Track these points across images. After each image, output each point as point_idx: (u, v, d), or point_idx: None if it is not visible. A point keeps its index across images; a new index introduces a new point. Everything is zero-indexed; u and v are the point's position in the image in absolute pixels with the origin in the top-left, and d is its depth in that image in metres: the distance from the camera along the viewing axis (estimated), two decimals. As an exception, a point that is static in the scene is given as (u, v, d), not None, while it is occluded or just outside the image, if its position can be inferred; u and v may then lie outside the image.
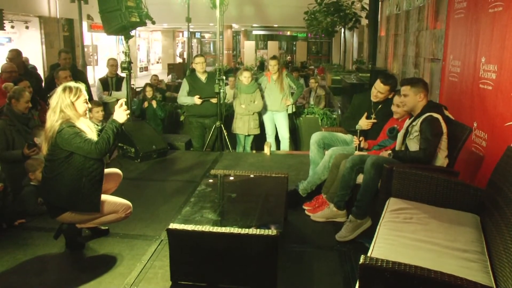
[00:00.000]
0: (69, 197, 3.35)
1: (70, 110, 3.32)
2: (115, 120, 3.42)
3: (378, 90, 4.59)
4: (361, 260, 2.20)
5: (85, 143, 3.26)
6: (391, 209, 3.16)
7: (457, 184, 3.30)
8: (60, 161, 3.32)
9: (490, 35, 4.10)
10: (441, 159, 3.81)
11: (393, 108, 4.33)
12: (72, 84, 3.44)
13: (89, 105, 3.49)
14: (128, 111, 3.51)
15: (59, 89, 3.41)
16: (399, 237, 2.76)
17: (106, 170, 3.76)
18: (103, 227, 3.85)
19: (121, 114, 3.44)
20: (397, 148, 4.01)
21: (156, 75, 11.28)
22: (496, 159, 3.19)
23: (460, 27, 5.04)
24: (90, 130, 3.43)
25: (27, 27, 16.29)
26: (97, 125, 3.74)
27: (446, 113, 3.92)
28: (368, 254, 2.53)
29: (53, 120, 3.31)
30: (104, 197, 3.49)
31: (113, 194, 3.76)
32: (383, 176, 3.56)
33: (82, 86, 3.46)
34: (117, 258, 3.51)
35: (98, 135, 3.47)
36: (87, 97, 3.47)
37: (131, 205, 3.57)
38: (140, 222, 4.10)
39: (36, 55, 15.05)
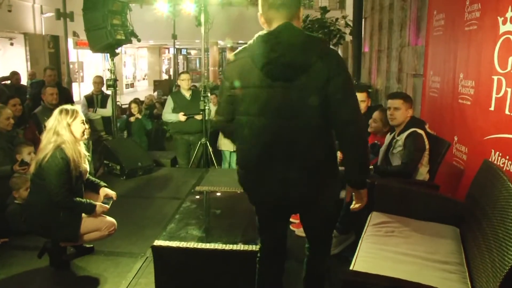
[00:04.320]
0: (45, 224, 3.38)
1: (66, 132, 3.34)
2: (95, 208, 3.45)
3: (360, 100, 4.69)
4: (342, 274, 2.24)
5: (59, 188, 3.26)
6: (373, 223, 3.21)
7: (437, 197, 3.38)
8: (43, 186, 3.33)
9: (467, 52, 4.21)
10: (423, 174, 3.88)
11: (370, 121, 4.41)
12: (68, 106, 3.48)
13: (87, 126, 3.52)
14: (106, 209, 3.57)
15: (55, 112, 3.45)
16: (381, 250, 2.81)
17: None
18: (87, 245, 3.84)
19: (100, 209, 3.49)
20: (378, 163, 4.08)
21: (151, 95, 11.69)
22: (476, 172, 3.27)
23: (439, 44, 5.17)
24: (81, 158, 3.44)
25: (11, 44, 16.25)
26: (85, 143, 3.75)
27: (427, 128, 4.01)
28: (350, 268, 2.57)
29: (47, 141, 3.33)
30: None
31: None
32: (365, 191, 3.61)
33: (78, 108, 3.52)
34: (102, 276, 3.50)
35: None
36: (84, 118, 3.51)
37: (115, 222, 3.57)
38: (125, 240, 4.10)
39: (20, 72, 15.06)
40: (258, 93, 2.25)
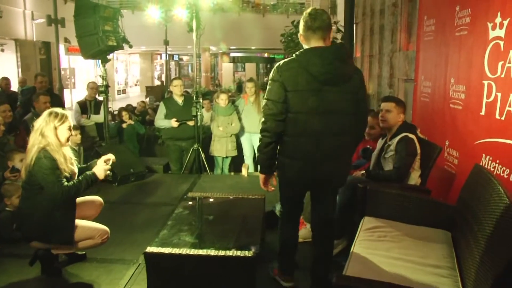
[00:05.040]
0: (41, 228, 3.33)
1: (52, 136, 3.31)
2: (95, 174, 3.42)
3: None
4: (334, 279, 2.24)
5: (56, 184, 3.23)
6: (365, 228, 3.22)
7: (429, 201, 3.40)
8: (35, 191, 3.30)
9: (458, 57, 4.25)
10: (415, 179, 3.90)
11: (366, 130, 4.43)
12: (58, 109, 3.45)
13: (73, 133, 3.50)
14: (109, 172, 3.52)
15: (45, 113, 3.42)
16: (374, 255, 2.81)
17: (87, 197, 3.75)
18: (80, 252, 3.81)
19: (102, 171, 3.45)
20: (371, 167, 4.10)
21: (143, 101, 11.71)
22: (467, 176, 3.29)
23: (430, 49, 5.21)
24: (67, 160, 3.40)
25: (2, 50, 16.18)
26: (75, 149, 3.74)
27: (418, 133, 4.03)
28: (343, 273, 2.57)
29: (33, 143, 3.31)
30: (79, 222, 3.46)
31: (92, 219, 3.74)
32: (358, 196, 3.63)
33: (68, 113, 3.48)
34: (94, 283, 3.48)
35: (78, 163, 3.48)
36: (72, 124, 3.49)
37: (108, 230, 3.55)
38: (118, 246, 4.08)
39: (12, 79, 15.01)
40: (310, 95, 2.88)
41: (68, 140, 3.44)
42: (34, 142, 3.31)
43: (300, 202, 3.32)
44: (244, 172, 6.70)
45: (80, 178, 3.38)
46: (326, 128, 2.91)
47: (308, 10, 2.96)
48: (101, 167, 3.46)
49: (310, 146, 2.93)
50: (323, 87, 2.86)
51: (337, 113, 2.92)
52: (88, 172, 3.43)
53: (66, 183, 3.27)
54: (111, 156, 3.58)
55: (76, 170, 3.53)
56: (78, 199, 3.53)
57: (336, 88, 2.88)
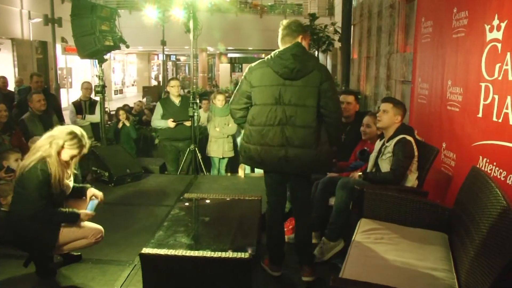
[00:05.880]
0: (25, 233, 3.30)
1: (54, 151, 3.26)
2: (79, 217, 3.36)
3: (346, 101, 4.82)
4: (331, 282, 2.23)
5: (39, 200, 3.18)
6: (362, 230, 3.21)
7: (426, 204, 3.38)
8: (22, 194, 3.26)
9: (455, 59, 4.25)
10: (412, 181, 3.89)
11: (362, 128, 4.44)
12: (83, 135, 3.38)
13: (72, 163, 3.43)
14: (91, 216, 3.47)
15: (69, 127, 3.40)
16: (370, 257, 2.80)
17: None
18: (75, 253, 3.78)
19: (85, 216, 3.40)
20: (368, 169, 4.09)
21: (140, 101, 11.71)
22: (464, 178, 3.29)
23: (427, 51, 5.21)
24: (63, 174, 3.35)
25: (-2, 49, 16.14)
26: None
27: (416, 135, 4.03)
28: (340, 275, 2.56)
29: (40, 146, 3.28)
30: None
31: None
32: (354, 198, 3.62)
33: (87, 143, 3.42)
34: (90, 284, 3.45)
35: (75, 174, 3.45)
36: (81, 155, 3.42)
37: (102, 229, 3.51)
38: (113, 247, 4.05)
39: (8, 78, 14.94)
40: (274, 89, 3.27)
41: (67, 163, 3.38)
42: (42, 148, 3.27)
43: (281, 192, 3.58)
44: (240, 173, 6.68)
45: (65, 211, 3.32)
46: (289, 118, 3.24)
47: (283, 22, 3.42)
48: (87, 215, 3.41)
49: (274, 134, 3.27)
50: (285, 82, 3.25)
51: (298, 105, 3.24)
52: (76, 211, 3.36)
53: (44, 207, 3.21)
54: (100, 196, 3.57)
55: (71, 185, 3.49)
56: (71, 200, 3.50)
57: (297, 82, 3.24)
